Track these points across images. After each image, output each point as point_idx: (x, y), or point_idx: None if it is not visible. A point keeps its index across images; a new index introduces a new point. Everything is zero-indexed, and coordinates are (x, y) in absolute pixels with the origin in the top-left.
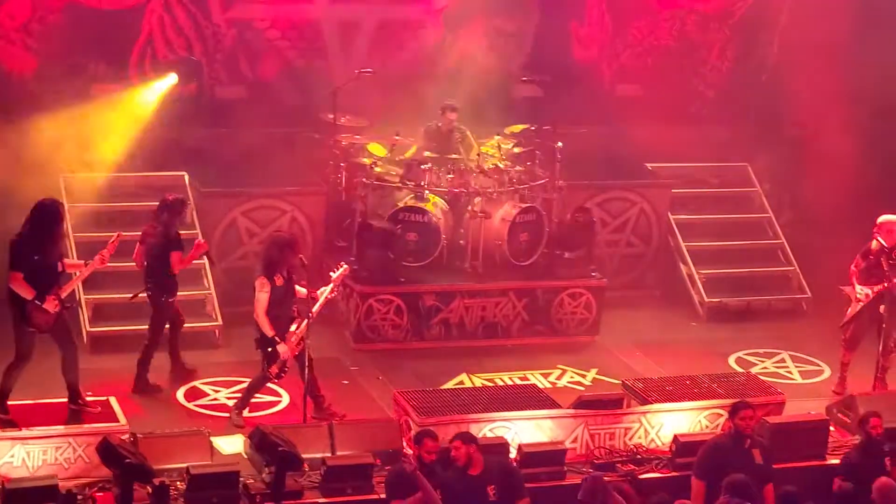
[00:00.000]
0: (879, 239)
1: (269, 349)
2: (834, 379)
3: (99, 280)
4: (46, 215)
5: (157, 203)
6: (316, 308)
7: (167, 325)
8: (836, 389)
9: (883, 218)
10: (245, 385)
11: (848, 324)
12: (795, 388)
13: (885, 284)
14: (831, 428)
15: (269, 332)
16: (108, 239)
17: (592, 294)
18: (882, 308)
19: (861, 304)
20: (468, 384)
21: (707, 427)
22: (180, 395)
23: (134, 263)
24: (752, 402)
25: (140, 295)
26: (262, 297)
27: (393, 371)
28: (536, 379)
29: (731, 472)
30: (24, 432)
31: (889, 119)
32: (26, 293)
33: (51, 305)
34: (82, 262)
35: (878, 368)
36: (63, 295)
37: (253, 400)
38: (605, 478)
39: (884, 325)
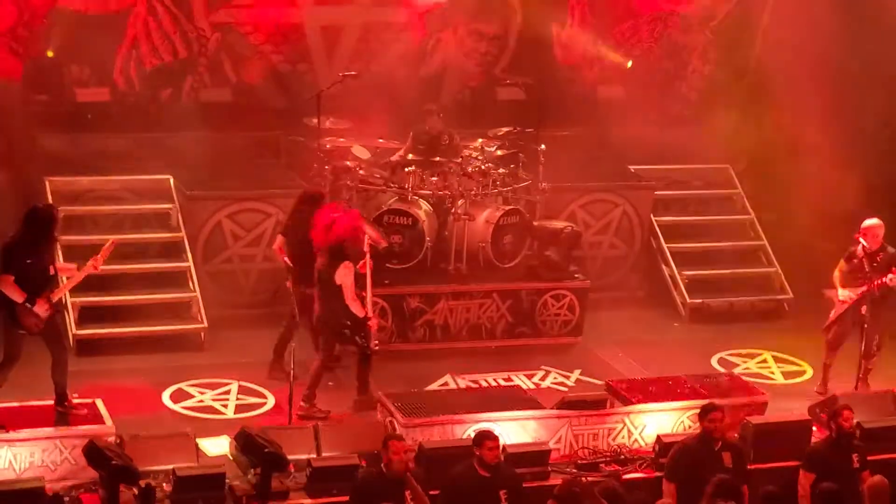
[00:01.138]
0: (863, 242)
1: (361, 333)
2: (816, 379)
3: (86, 283)
4: (42, 220)
5: (299, 196)
6: (369, 277)
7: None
8: (819, 390)
9: (867, 222)
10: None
11: (830, 326)
12: (778, 389)
13: (868, 287)
14: (814, 428)
15: (362, 312)
16: (92, 242)
17: (576, 295)
18: (864, 310)
19: (844, 306)
20: (452, 385)
21: (690, 427)
22: (166, 397)
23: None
24: (737, 402)
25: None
26: (351, 281)
27: (378, 372)
28: (520, 380)
29: (702, 475)
30: (11, 434)
31: (873, 120)
32: (17, 296)
33: (42, 309)
34: (74, 265)
35: (861, 370)
36: (54, 298)
37: (238, 401)
38: (591, 478)
39: (866, 327)
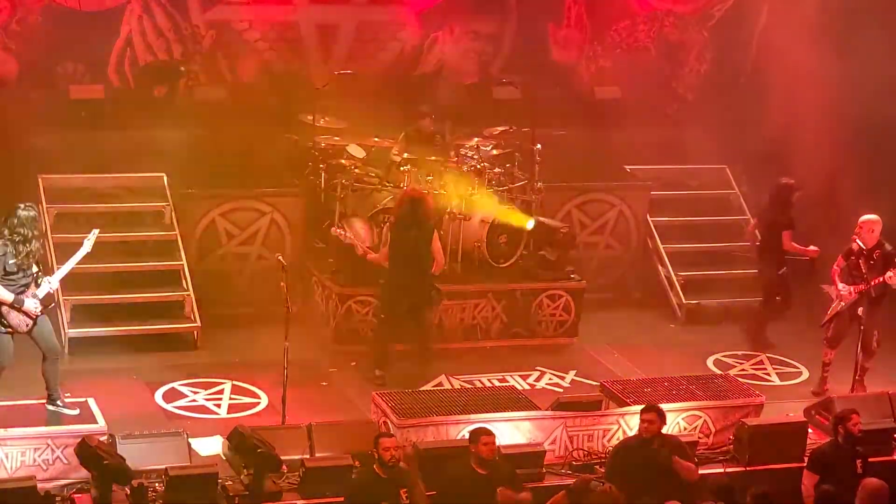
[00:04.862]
0: (858, 241)
1: None
2: (812, 381)
3: (78, 281)
4: (24, 220)
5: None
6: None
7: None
8: (816, 390)
9: (864, 218)
10: None
11: (828, 322)
12: (774, 390)
13: (865, 286)
14: (810, 430)
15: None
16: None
17: (571, 296)
18: (861, 310)
19: (842, 302)
20: (447, 386)
21: (685, 429)
22: (159, 396)
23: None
24: (733, 403)
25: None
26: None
27: (374, 372)
28: (515, 381)
29: (639, 473)
30: (3, 433)
31: (868, 121)
32: (5, 297)
33: (31, 307)
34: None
35: (857, 370)
36: (41, 295)
37: (231, 401)
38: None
39: (862, 327)
